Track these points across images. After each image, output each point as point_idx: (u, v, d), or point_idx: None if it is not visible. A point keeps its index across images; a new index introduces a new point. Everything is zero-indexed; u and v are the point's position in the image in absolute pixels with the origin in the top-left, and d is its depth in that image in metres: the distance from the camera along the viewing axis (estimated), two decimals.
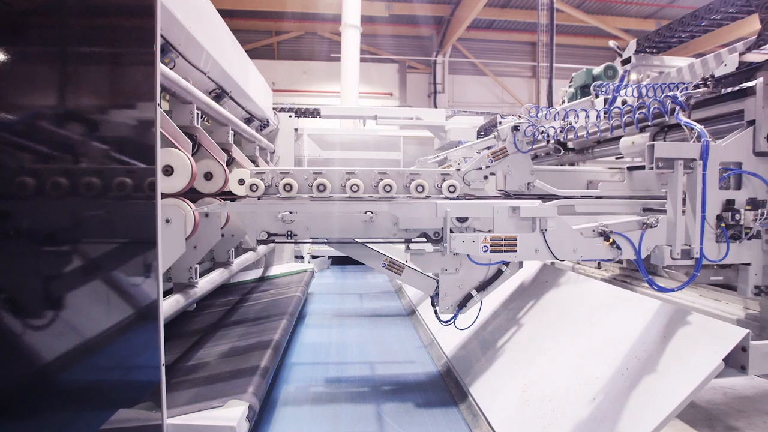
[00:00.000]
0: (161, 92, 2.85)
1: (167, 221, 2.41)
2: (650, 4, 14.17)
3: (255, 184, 2.72)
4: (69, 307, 1.79)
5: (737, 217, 2.26)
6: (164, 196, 2.58)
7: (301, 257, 7.51)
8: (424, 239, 2.93)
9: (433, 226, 2.81)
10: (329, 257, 8.50)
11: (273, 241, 2.78)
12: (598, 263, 4.16)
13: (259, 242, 2.75)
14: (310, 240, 2.86)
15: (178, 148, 2.49)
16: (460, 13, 14.14)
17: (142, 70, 1.87)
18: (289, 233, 2.73)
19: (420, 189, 2.91)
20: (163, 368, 1.94)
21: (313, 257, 8.04)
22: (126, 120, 1.88)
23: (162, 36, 2.69)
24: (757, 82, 2.28)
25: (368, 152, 7.98)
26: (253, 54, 17.26)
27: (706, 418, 2.90)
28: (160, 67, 2.53)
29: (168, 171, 2.46)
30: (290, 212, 2.70)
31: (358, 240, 2.96)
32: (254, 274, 6.26)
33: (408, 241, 2.95)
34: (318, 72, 16.37)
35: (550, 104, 7.57)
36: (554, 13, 8.99)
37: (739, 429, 2.77)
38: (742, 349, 1.89)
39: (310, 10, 14.26)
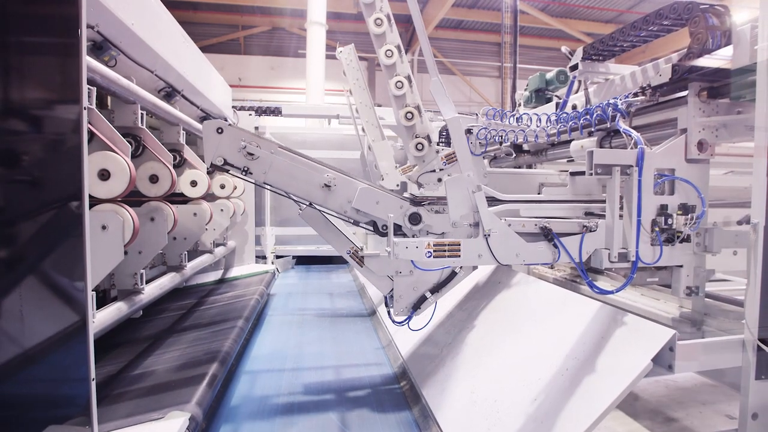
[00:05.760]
0: (100, 92, 2.73)
1: (103, 227, 2.30)
2: (610, 9, 14.64)
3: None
4: None
5: (670, 221, 2.36)
6: (101, 201, 2.47)
7: (264, 257, 7.39)
8: (371, 228, 2.90)
9: (383, 217, 2.80)
10: (293, 257, 8.40)
11: (227, 171, 2.66)
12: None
13: (213, 166, 2.62)
14: (264, 184, 2.74)
15: (115, 151, 2.39)
16: (428, 12, 14.21)
17: (65, 65, 1.75)
18: (245, 169, 2.62)
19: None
20: (93, 382, 1.86)
21: (277, 257, 7.93)
22: (47, 121, 1.77)
23: (99, 33, 2.57)
24: (689, 92, 2.38)
25: (332, 151, 7.90)
26: (218, 48, 16.81)
27: (648, 410, 3.02)
28: (95, 65, 2.42)
29: (104, 175, 2.36)
30: (257, 145, 2.60)
31: (317, 206, 2.89)
32: (214, 276, 6.12)
33: (356, 223, 2.91)
34: (286, 68, 16.13)
35: (513, 105, 7.70)
36: (518, 14, 9.16)
37: (678, 419, 2.91)
38: (669, 349, 1.97)
39: (277, 5, 14.01)
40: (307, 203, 2.87)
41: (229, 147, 2.59)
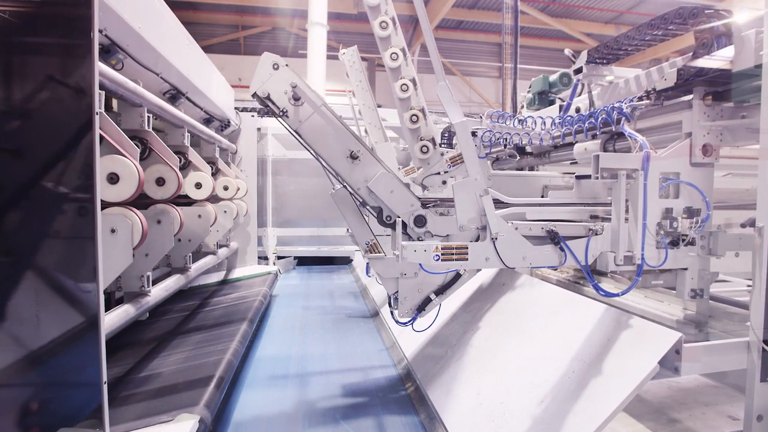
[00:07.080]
0: (107, 95, 2.74)
1: (113, 231, 2.31)
2: (610, 10, 14.67)
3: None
4: (2, 323, 1.71)
5: (675, 224, 2.38)
6: (110, 204, 2.48)
7: (266, 258, 7.40)
8: (375, 213, 2.93)
9: (391, 207, 2.81)
10: (295, 258, 8.42)
11: (267, 106, 2.71)
12: None
13: (255, 96, 2.68)
14: (295, 132, 2.79)
15: (124, 155, 2.40)
16: (429, 12, 14.23)
17: (77, 70, 1.76)
18: (284, 111, 2.68)
19: None
20: (105, 386, 1.87)
21: (279, 258, 7.94)
22: (60, 125, 1.78)
23: (107, 36, 2.58)
24: (694, 96, 2.40)
25: None
26: (218, 49, 16.77)
27: (651, 411, 3.05)
28: (104, 68, 2.43)
29: (113, 179, 2.37)
30: (303, 90, 2.65)
31: (338, 172, 2.92)
32: (217, 277, 6.13)
33: (364, 204, 2.95)
34: None
35: (514, 106, 7.70)
36: (518, 15, 9.14)
37: (681, 421, 2.93)
38: (675, 351, 1.99)
39: (277, 5, 14.00)
40: (335, 175, 2.93)
41: (277, 85, 2.65)
